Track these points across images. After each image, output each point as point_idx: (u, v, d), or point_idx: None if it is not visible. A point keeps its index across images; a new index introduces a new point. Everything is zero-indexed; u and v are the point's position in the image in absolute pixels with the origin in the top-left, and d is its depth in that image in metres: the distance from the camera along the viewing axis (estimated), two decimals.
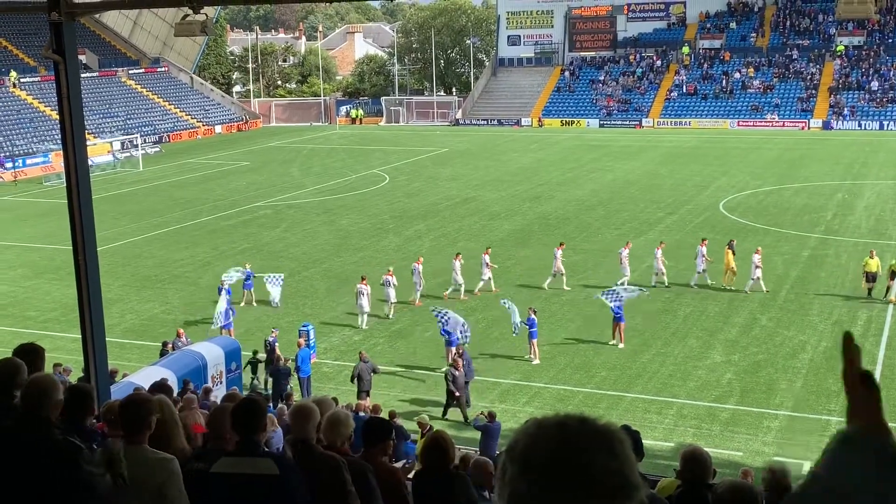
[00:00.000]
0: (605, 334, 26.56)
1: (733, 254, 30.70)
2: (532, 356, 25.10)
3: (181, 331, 25.23)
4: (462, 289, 30.68)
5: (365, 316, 28.44)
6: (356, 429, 6.59)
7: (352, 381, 22.59)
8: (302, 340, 24.24)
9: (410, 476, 7.73)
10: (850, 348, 1.84)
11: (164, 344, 24.28)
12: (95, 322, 16.11)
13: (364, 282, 28.68)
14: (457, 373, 21.69)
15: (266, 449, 5.78)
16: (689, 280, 31.21)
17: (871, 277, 29.36)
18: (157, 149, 72.34)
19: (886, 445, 1.75)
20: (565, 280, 31.34)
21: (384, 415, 17.57)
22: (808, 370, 23.81)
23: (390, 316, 29.02)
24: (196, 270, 35.57)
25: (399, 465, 12.36)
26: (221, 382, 21.80)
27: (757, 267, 30.08)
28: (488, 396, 22.88)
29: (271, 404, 19.16)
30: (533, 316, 25.17)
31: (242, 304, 30.49)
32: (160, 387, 9.87)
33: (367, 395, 22.26)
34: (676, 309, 29.09)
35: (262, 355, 24.20)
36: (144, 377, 19.02)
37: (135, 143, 68.64)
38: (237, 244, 39.40)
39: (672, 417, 21.36)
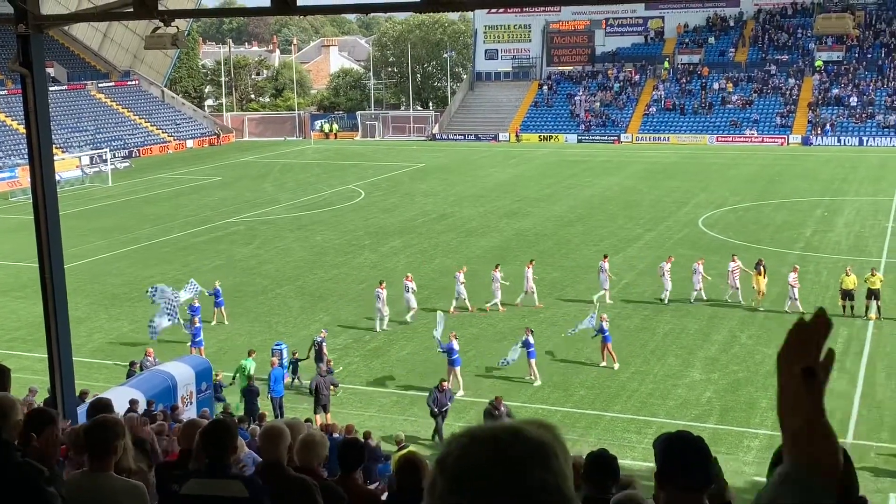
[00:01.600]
0: (583, 353, 26.62)
1: (763, 274, 30.56)
2: (532, 377, 25.03)
3: (150, 350, 25.03)
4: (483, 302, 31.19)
5: (385, 320, 29.42)
6: (331, 449, 6.57)
7: (310, 393, 22.77)
8: (275, 360, 24.15)
9: (384, 497, 7.71)
10: (811, 328, 1.79)
11: (132, 364, 24.03)
12: (62, 341, 15.99)
13: (382, 286, 29.59)
14: (439, 394, 21.66)
15: (236, 471, 5.75)
16: (678, 296, 31.37)
17: (847, 295, 29.60)
18: (127, 164, 72.00)
19: (831, 490, 1.69)
20: (536, 297, 31.43)
21: (359, 435, 17.50)
22: None
23: (409, 320, 29.73)
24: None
25: (373, 486, 12.33)
26: (192, 403, 21.66)
27: (793, 286, 29.95)
28: (465, 416, 22.85)
29: (243, 425, 19.04)
30: (529, 337, 25.14)
31: (213, 322, 30.35)
32: (102, 406, 9.73)
33: (326, 409, 22.27)
34: (655, 327, 29.22)
35: (300, 355, 25.02)
36: (113, 398, 18.84)
37: (104, 157, 68.28)
38: (209, 261, 39.22)
39: (651, 437, 21.31)
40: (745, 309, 30.44)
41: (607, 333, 25.83)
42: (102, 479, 5.15)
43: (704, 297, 31.13)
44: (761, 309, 30.23)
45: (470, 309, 30.92)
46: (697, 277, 31.08)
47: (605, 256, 33.08)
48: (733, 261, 31.30)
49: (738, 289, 30.75)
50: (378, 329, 29.38)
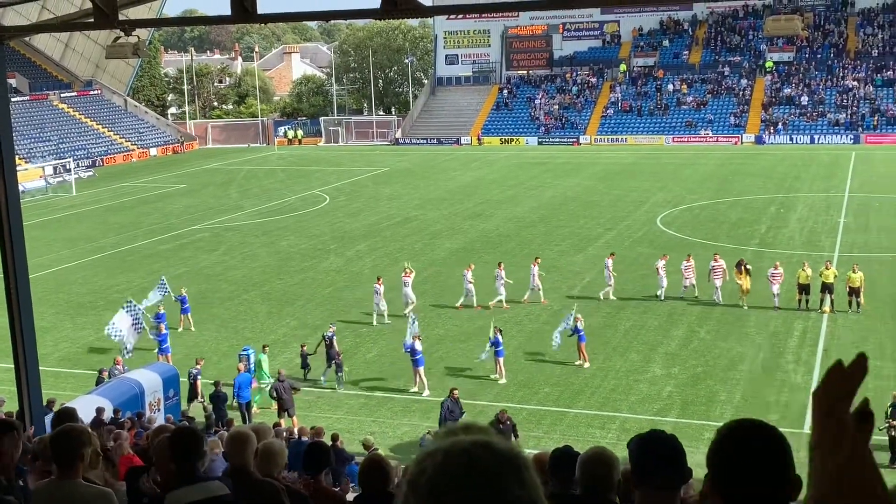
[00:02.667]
0: (548, 351, 26.69)
1: (747, 273, 30.54)
2: (498, 375, 25.07)
3: (118, 358, 24.80)
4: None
5: (384, 316, 30.07)
6: (300, 453, 6.53)
7: (271, 397, 22.73)
8: (242, 365, 23.99)
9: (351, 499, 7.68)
10: (854, 371, 1.71)
11: (101, 371, 23.84)
12: (28, 351, 15.77)
13: (380, 282, 30.31)
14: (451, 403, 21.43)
15: (206, 474, 5.71)
16: (638, 293, 31.58)
17: (804, 289, 29.95)
18: (91, 173, 71.20)
19: None
20: (542, 294, 31.70)
21: (327, 438, 17.44)
22: (747, 381, 24.20)
23: (408, 314, 29.61)
24: (133, 296, 34.88)
25: (338, 488, 12.27)
26: (159, 410, 21.47)
27: (773, 283, 30.25)
28: (431, 416, 22.82)
29: (211, 430, 18.89)
30: (498, 336, 25.16)
31: (180, 329, 30.09)
32: (67, 415, 9.62)
33: (289, 414, 22.19)
34: (617, 324, 29.39)
35: (309, 349, 25.57)
36: (80, 406, 18.61)
37: (67, 167, 67.48)
38: (175, 268, 38.87)
39: (615, 431, 21.51)
40: (703, 304, 30.71)
41: (582, 333, 25.89)
42: (70, 487, 5.09)
43: (694, 291, 31.36)
44: (746, 307, 30.25)
45: (476, 307, 31.22)
46: (689, 273, 31.36)
47: (612, 254, 33.24)
48: (715, 260, 31.52)
49: (718, 287, 30.91)
50: (375, 323, 30.00)
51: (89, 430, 5.79)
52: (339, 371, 25.05)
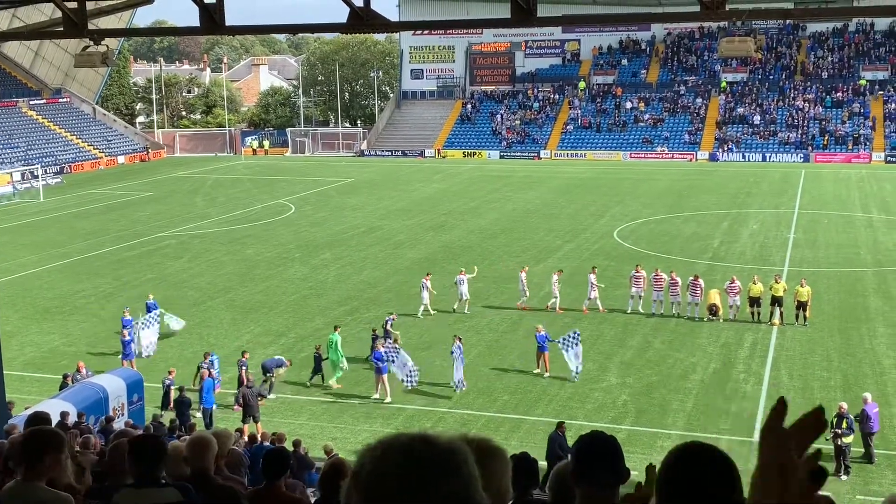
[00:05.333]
0: (507, 359, 26.73)
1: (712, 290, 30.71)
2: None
3: (82, 364, 24.46)
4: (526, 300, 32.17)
5: (428, 308, 31.35)
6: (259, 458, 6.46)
7: (237, 403, 22.57)
8: (206, 372, 23.75)
9: None
10: (811, 423, 1.66)
11: (65, 376, 23.52)
12: None
13: (427, 277, 32.12)
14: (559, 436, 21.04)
15: (167, 480, 5.63)
16: (583, 305, 31.69)
17: (755, 302, 30.27)
18: (59, 179, 70.26)
19: None
20: (558, 304, 31.91)
21: (288, 443, 17.29)
22: (699, 390, 24.39)
23: (420, 315, 31.25)
24: (98, 301, 34.57)
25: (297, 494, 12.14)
26: (123, 414, 21.17)
27: (594, 286, 31.36)
28: (393, 423, 22.76)
29: (174, 434, 18.66)
30: (459, 343, 25.10)
31: None
32: (40, 419, 9.47)
33: (255, 419, 22.00)
34: None
35: (322, 353, 25.67)
36: (44, 410, 18.32)
37: (35, 173, 66.54)
38: (141, 275, 38.45)
39: (571, 439, 21.52)
40: (658, 316, 30.92)
41: (545, 344, 25.85)
42: (31, 490, 5.00)
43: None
44: (720, 321, 30.29)
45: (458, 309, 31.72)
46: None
47: (594, 269, 33.17)
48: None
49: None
50: (420, 315, 31.22)
51: (62, 434, 5.68)
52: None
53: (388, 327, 27.76)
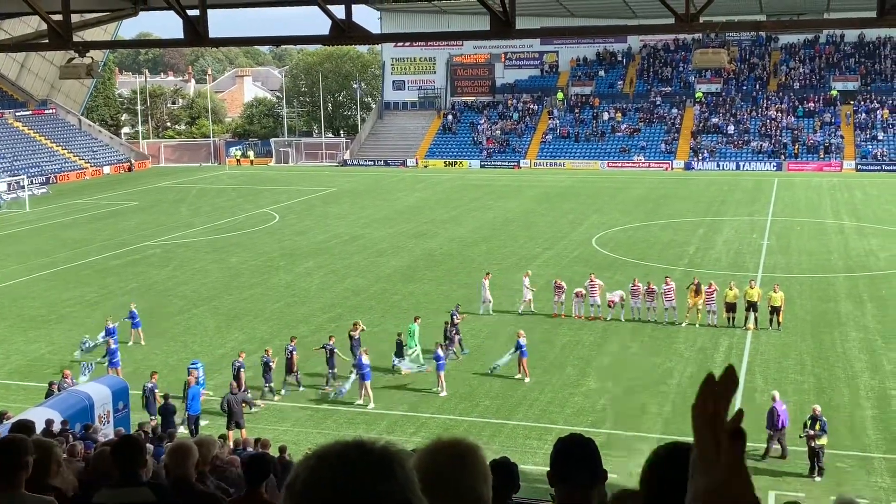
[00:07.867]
0: (487, 364, 26.71)
1: (698, 293, 30.77)
2: (440, 388, 24.99)
3: (68, 372, 24.25)
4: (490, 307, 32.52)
5: (489, 306, 32.33)
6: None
7: (222, 409, 22.37)
8: (192, 378, 23.59)
9: None
10: (725, 384, 1.72)
11: (51, 385, 23.29)
12: None
13: (487, 276, 33.21)
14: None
15: (145, 479, 5.60)
16: (552, 310, 31.78)
17: (730, 307, 30.40)
18: (45, 190, 69.79)
19: None
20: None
21: (273, 449, 17.19)
22: (676, 394, 24.45)
23: (481, 312, 31.94)
24: (84, 310, 34.30)
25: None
26: (109, 422, 20.99)
27: (528, 289, 32.10)
28: (376, 428, 22.68)
29: (161, 443, 18.51)
30: (439, 350, 25.19)
31: (131, 342, 29.55)
32: (24, 427, 9.38)
33: (240, 426, 21.86)
34: (554, 339, 29.52)
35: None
36: (29, 418, 18.15)
37: (21, 184, 66.06)
38: (126, 283, 38.21)
39: (551, 443, 21.38)
40: (636, 321, 31.00)
41: (524, 349, 25.88)
42: (12, 496, 4.95)
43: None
44: (697, 325, 30.46)
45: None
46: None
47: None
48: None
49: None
50: (481, 312, 32.00)
51: (29, 441, 5.61)
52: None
53: (455, 323, 28.20)
